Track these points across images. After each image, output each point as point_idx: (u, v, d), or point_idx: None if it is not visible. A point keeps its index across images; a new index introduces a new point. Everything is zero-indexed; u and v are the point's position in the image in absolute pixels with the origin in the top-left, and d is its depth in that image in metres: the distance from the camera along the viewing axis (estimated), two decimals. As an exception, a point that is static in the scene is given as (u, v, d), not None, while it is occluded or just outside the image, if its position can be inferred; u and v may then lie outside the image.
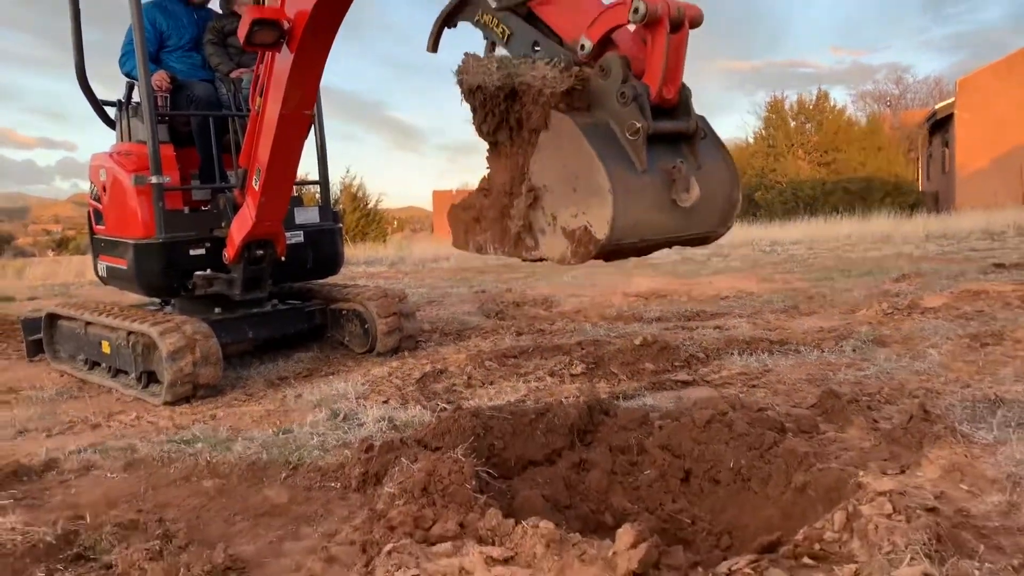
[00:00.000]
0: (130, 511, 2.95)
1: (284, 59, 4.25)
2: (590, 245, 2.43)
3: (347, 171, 39.38)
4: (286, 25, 4.07)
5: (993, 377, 4.14)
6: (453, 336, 6.39)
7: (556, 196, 2.54)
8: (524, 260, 2.72)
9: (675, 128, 2.57)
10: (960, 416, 3.39)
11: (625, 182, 2.40)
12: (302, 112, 4.52)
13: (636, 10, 2.42)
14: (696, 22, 2.53)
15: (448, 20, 3.15)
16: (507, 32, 2.94)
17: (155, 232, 5.03)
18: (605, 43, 2.58)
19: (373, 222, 38.47)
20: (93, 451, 3.73)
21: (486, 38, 3.04)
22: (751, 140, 34.12)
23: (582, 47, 2.59)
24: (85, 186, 5.93)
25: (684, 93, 2.58)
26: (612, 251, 2.49)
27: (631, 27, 2.53)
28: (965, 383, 4.06)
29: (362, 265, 16.52)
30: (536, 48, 2.81)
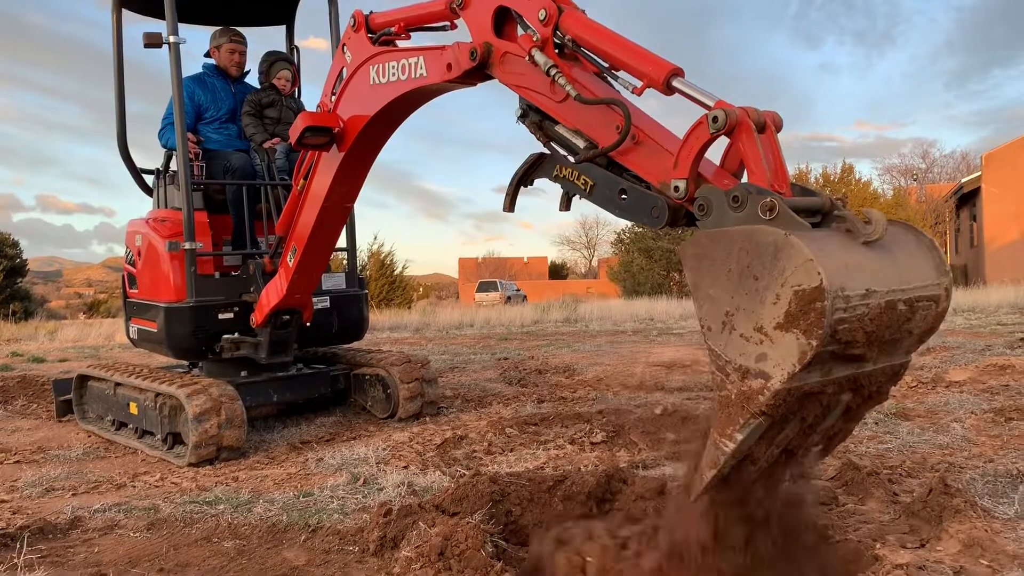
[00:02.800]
0: (152, 570, 2.99)
1: (333, 157, 4.36)
2: (814, 303, 1.97)
3: (375, 237, 39.93)
4: (337, 129, 4.21)
5: (1017, 452, 4.10)
6: (475, 403, 6.42)
7: (743, 308, 2.12)
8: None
9: (811, 204, 2.32)
10: (982, 491, 3.36)
11: (802, 236, 2.07)
12: (345, 204, 4.65)
13: (715, 119, 2.35)
14: (779, 127, 2.46)
15: (524, 179, 3.14)
16: (589, 184, 2.88)
17: (186, 296, 5.18)
18: (697, 178, 2.46)
19: (399, 288, 38.89)
20: (117, 510, 3.78)
21: (565, 191, 2.99)
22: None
23: (676, 188, 2.47)
24: (120, 250, 6.13)
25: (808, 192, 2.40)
26: (848, 317, 2.02)
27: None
28: (988, 458, 4.02)
29: (387, 331, 16.65)
30: (623, 196, 2.76)
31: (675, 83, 2.57)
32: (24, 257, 38.22)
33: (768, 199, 2.18)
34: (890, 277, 2.15)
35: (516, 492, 3.20)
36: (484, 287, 50.11)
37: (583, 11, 3.03)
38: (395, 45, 3.98)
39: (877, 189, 35.86)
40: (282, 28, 6.61)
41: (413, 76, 3.68)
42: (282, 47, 6.51)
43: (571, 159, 2.93)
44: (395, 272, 39.42)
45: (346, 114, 4.18)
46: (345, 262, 6.27)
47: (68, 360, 11.29)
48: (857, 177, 33.58)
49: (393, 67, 3.80)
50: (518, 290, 51.87)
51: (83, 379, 6.05)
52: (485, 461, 4.46)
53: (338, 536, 3.28)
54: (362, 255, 33.98)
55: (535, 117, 3.08)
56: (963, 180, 33.79)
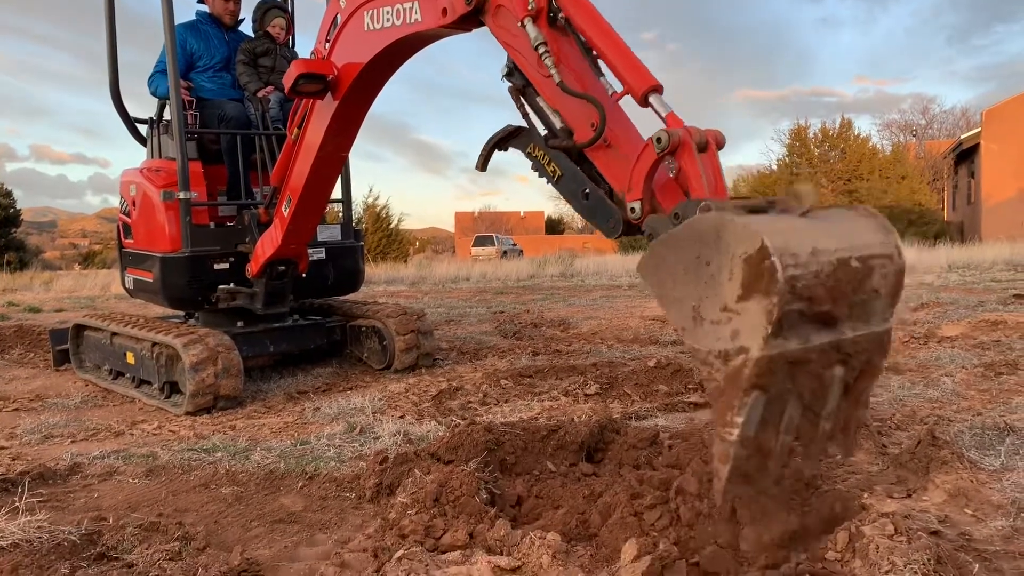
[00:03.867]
0: (151, 514, 3.03)
1: (327, 105, 4.31)
2: (762, 263, 2.06)
3: (370, 190, 39.71)
4: (331, 77, 4.15)
5: (1006, 406, 4.15)
6: (470, 355, 6.46)
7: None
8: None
9: (747, 204, 2.43)
10: (969, 443, 3.41)
11: (737, 212, 2.25)
12: (340, 154, 4.61)
13: (659, 140, 2.51)
14: (720, 144, 2.58)
15: (500, 143, 3.19)
16: (557, 173, 2.98)
17: (181, 246, 5.17)
18: (652, 197, 2.63)
19: (395, 242, 38.81)
20: (116, 457, 3.83)
21: (535, 170, 3.06)
22: (774, 167, 34.09)
23: (632, 210, 2.64)
24: (115, 201, 6.11)
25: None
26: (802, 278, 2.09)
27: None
28: (977, 411, 4.08)
29: (383, 284, 16.68)
30: (586, 197, 2.87)
31: (651, 99, 2.67)
32: (18, 207, 37.97)
33: (703, 203, 2.33)
34: (835, 239, 2.24)
35: (510, 441, 3.24)
36: (480, 241, 50.00)
37: None
38: None
39: (876, 145, 35.65)
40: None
41: (408, 21, 3.63)
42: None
43: (545, 141, 2.97)
44: (391, 225, 39.31)
45: (340, 61, 4.12)
46: (341, 214, 6.25)
47: (64, 310, 11.30)
48: (856, 132, 33.39)
49: (387, 12, 3.75)
50: (514, 245, 51.78)
51: (80, 328, 6.07)
52: (480, 411, 4.51)
53: (335, 483, 3.33)
54: (357, 208, 33.86)
55: (519, 80, 3.08)
56: (962, 136, 33.60)
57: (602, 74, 2.87)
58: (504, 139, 3.17)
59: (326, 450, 3.78)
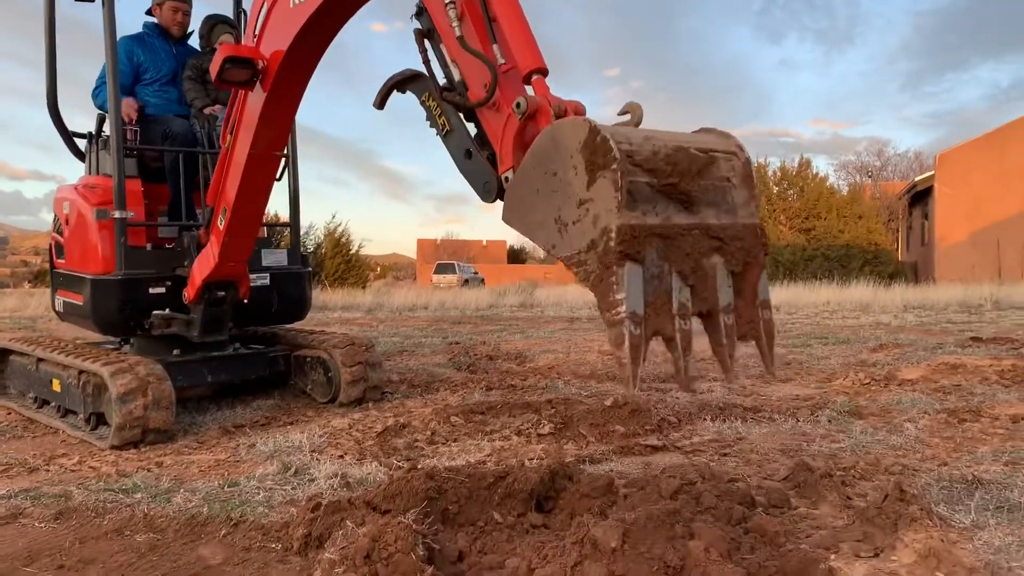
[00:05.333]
0: (51, 566, 2.73)
1: (257, 98, 4.15)
2: (595, 141, 2.23)
3: (333, 216, 39.30)
4: (260, 64, 3.97)
5: (971, 455, 4.02)
6: (421, 388, 6.21)
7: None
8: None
9: None
10: (937, 496, 3.25)
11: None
12: (273, 152, 4.41)
13: (518, 105, 2.61)
14: (580, 113, 2.64)
15: (399, 85, 3.21)
16: (447, 128, 3.02)
17: (115, 268, 4.87)
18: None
19: (354, 268, 38.30)
20: (25, 497, 3.51)
21: (428, 120, 3.10)
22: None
23: (506, 179, 2.71)
24: None
25: None
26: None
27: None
28: (942, 460, 3.93)
29: (338, 310, 16.32)
30: (468, 156, 2.92)
31: (534, 79, 2.72)
32: (-36, 222, 36.74)
33: None
34: (670, 136, 2.40)
35: (454, 489, 3.00)
36: (442, 269, 49.76)
37: None
38: None
39: (833, 185, 36.21)
40: (229, -10, 6.26)
41: None
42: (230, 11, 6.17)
43: (441, 93, 3.00)
44: (351, 251, 38.82)
45: (268, 49, 3.94)
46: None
47: (1, 331, 10.80)
48: (814, 172, 33.88)
49: None
50: (476, 273, 51.61)
51: (4, 353, 5.70)
52: (427, 452, 4.25)
53: (261, 531, 3.05)
54: (318, 233, 33.43)
55: (427, 23, 3.07)
56: (916, 179, 34.29)
57: (495, 42, 2.85)
58: (402, 81, 3.20)
59: (256, 493, 3.50)
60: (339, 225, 34.87)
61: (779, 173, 33.88)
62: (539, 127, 2.60)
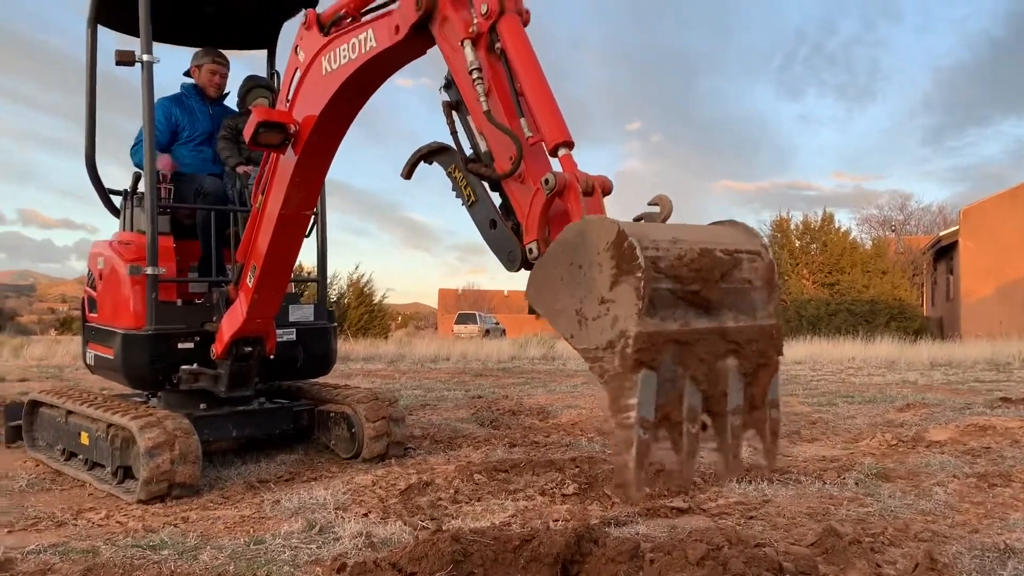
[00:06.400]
0: (79, 625, 2.75)
1: (288, 160, 4.27)
2: (622, 245, 2.24)
3: (356, 267, 39.63)
4: (292, 128, 4.09)
5: (1002, 522, 3.95)
6: (444, 444, 6.20)
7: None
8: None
9: None
10: (969, 566, 3.20)
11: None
12: (302, 212, 4.51)
13: (546, 182, 2.64)
14: (607, 190, 2.72)
15: (426, 157, 3.27)
16: (472, 198, 3.08)
17: (145, 323, 4.96)
18: (547, 239, 2.72)
19: (377, 317, 38.47)
20: (53, 552, 3.54)
21: (454, 191, 3.15)
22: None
23: (531, 251, 2.76)
24: None
25: None
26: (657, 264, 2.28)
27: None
28: (973, 527, 3.87)
29: (361, 361, 16.38)
30: (493, 226, 2.97)
31: (560, 152, 2.76)
32: (-4, 271, 37.44)
33: None
34: (696, 235, 2.44)
35: (479, 552, 3.00)
36: (463, 319, 49.89)
37: (527, 15, 3.07)
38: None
39: (856, 239, 36.07)
40: (264, 52, 6.47)
41: (363, 51, 3.62)
42: (264, 71, 6.37)
43: (467, 163, 3.06)
44: (374, 301, 39.05)
45: (301, 115, 4.07)
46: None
47: (28, 380, 10.95)
48: (837, 226, 33.76)
49: (344, 49, 3.74)
50: (497, 323, 51.67)
51: (35, 404, 5.78)
52: (450, 511, 4.24)
53: (286, 592, 3.06)
54: (341, 283, 33.73)
55: (454, 96, 3.14)
56: (941, 233, 34.12)
57: (523, 115, 2.92)
58: (430, 153, 3.26)
59: (281, 552, 3.50)
60: (362, 275, 35.07)
61: (801, 227, 33.80)
62: (566, 203, 2.67)
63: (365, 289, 38.17)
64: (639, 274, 2.18)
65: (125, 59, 4.92)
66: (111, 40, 5.83)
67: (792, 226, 33.82)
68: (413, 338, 28.98)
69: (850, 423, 7.39)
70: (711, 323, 2.39)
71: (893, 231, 49.70)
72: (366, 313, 37.28)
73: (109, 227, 5.79)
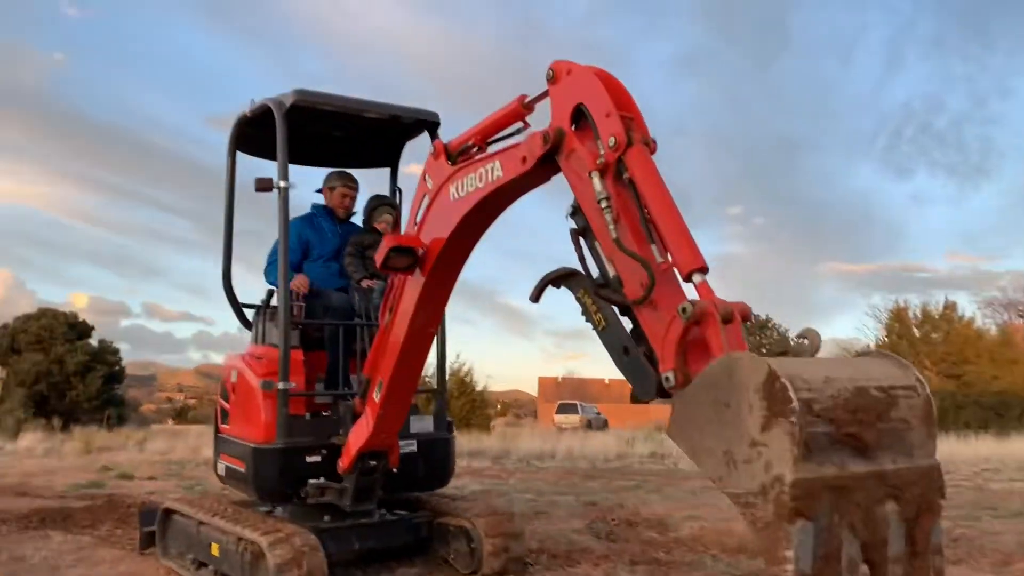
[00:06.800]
0: None
1: (416, 281, 4.39)
2: (774, 386, 2.17)
3: (457, 357, 40.10)
4: (420, 251, 4.22)
5: None
6: (561, 559, 6.05)
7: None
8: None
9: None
10: None
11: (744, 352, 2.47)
12: (428, 330, 4.61)
13: (684, 310, 2.60)
14: (746, 317, 2.67)
15: (554, 282, 3.32)
16: (603, 323, 3.06)
17: (276, 437, 5.10)
18: (684, 368, 2.66)
19: (478, 408, 38.54)
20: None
21: (583, 315, 3.16)
22: (872, 347, 32.96)
23: (667, 380, 2.68)
24: (214, 357, 6.21)
25: None
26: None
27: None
28: None
29: (466, 457, 16.31)
30: (626, 353, 2.93)
31: (695, 278, 2.74)
32: (123, 364, 39.69)
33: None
34: (848, 371, 2.34)
35: None
36: (564, 409, 49.39)
37: (654, 144, 3.10)
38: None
39: (981, 326, 34.12)
40: (386, 169, 6.78)
41: (490, 180, 3.71)
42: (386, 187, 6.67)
43: (596, 288, 3.06)
44: (476, 391, 39.21)
45: (428, 238, 4.20)
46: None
47: (155, 479, 11.39)
48: (959, 314, 32.09)
49: (471, 179, 3.85)
50: (599, 414, 50.90)
51: (168, 512, 5.98)
52: (577, 639, 4.10)
53: None
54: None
55: (581, 222, 3.16)
56: (1075, 320, 32.01)
57: (654, 241, 2.91)
58: (558, 278, 3.28)
59: None
60: (463, 364, 35.35)
61: (920, 315, 32.34)
62: (705, 332, 2.62)
63: (466, 379, 38.46)
64: (793, 418, 2.11)
65: (264, 186, 5.24)
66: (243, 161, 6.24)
67: (911, 315, 32.40)
68: (515, 430, 28.86)
69: (997, 542, 6.83)
70: (869, 467, 2.30)
71: (1021, 316, 46.86)
72: (468, 404, 37.47)
73: (225, 320, 6.13)
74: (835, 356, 2.53)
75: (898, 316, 32.29)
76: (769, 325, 43.38)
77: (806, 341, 2.62)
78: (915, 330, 31.87)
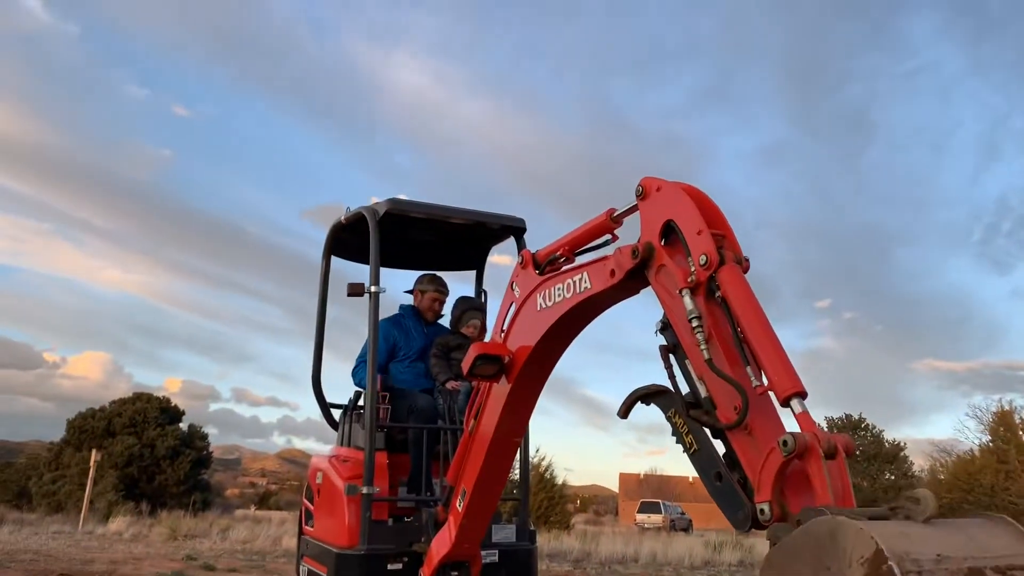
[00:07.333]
0: None
1: (502, 388, 4.37)
2: (880, 568, 2.01)
3: (536, 450, 39.65)
4: (507, 359, 4.22)
5: None
6: None
7: None
8: None
9: (871, 512, 2.38)
10: None
11: (852, 515, 2.22)
12: (513, 439, 4.56)
13: (785, 444, 2.47)
14: (850, 452, 2.55)
15: (644, 398, 3.22)
16: (694, 446, 2.95)
17: (359, 542, 5.08)
18: (780, 500, 2.56)
19: (557, 504, 37.74)
20: None
21: (673, 435, 3.05)
22: (975, 450, 31.09)
23: (762, 512, 2.57)
24: (298, 443, 6.27)
25: None
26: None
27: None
28: None
29: (545, 559, 15.93)
30: (719, 479, 2.82)
31: (794, 403, 2.63)
32: (210, 449, 40.59)
33: (820, 508, 2.30)
34: (963, 546, 2.16)
35: None
36: (646, 508, 48.00)
37: (746, 263, 3.02)
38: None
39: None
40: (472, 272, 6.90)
41: (578, 291, 3.67)
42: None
43: (687, 407, 2.94)
44: (554, 486, 38.48)
45: (514, 345, 4.18)
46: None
47: (237, 571, 11.45)
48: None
49: (559, 289, 3.83)
50: (683, 514, 49.24)
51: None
52: None
53: None
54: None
55: (671, 339, 3.08)
56: None
57: (748, 363, 2.78)
58: (648, 395, 3.18)
59: None
60: (543, 459, 34.80)
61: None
62: (807, 467, 2.51)
63: (546, 474, 37.81)
64: None
65: (356, 291, 5.38)
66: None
67: (1018, 418, 30.51)
68: (596, 528, 28.06)
69: None
70: None
71: None
72: (546, 499, 36.74)
73: (309, 406, 6.17)
74: (946, 521, 2.31)
75: (1003, 418, 30.42)
76: (863, 425, 41.53)
77: (918, 504, 2.43)
78: (1021, 434, 29.92)
